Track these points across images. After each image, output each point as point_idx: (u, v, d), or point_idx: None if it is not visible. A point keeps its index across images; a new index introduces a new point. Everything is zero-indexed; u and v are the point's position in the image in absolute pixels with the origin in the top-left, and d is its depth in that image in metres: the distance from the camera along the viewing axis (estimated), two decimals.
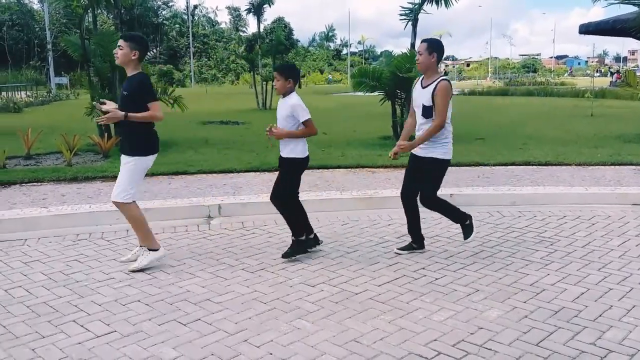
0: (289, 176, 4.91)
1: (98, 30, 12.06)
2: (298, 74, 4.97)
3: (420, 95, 4.81)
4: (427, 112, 4.74)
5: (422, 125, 4.84)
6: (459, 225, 5.09)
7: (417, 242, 5.09)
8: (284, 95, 4.81)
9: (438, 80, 4.71)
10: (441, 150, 4.80)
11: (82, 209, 6.16)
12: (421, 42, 4.87)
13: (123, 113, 4.49)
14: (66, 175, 7.94)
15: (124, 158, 4.63)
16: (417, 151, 4.90)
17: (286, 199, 4.92)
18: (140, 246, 4.78)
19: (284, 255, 4.88)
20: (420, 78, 4.91)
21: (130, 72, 4.66)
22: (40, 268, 4.68)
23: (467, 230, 5.01)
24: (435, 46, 4.78)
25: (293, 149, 4.81)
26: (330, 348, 3.30)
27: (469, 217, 5.05)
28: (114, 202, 4.67)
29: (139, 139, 4.62)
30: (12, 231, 5.66)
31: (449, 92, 4.69)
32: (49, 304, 3.95)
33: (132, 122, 4.54)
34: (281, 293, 4.13)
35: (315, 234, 5.09)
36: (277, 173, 5.03)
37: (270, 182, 7.78)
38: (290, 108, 4.73)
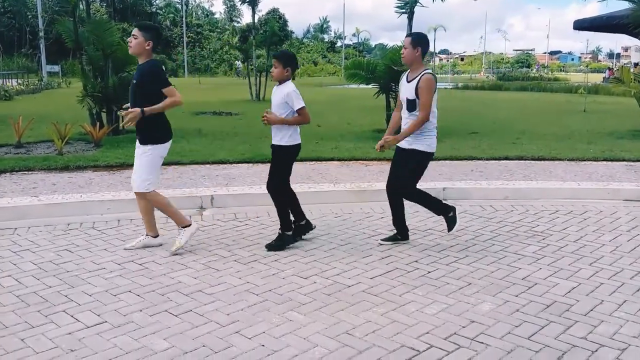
0: (281, 164, 4.91)
1: (91, 18, 11.94)
2: (296, 64, 4.98)
3: (405, 89, 4.82)
4: (411, 105, 4.75)
5: (406, 119, 4.84)
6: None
7: (401, 233, 5.12)
8: (280, 82, 4.81)
9: (422, 73, 4.70)
10: (425, 142, 4.80)
11: (73, 198, 6.11)
12: (406, 36, 4.92)
13: (139, 110, 4.46)
14: (57, 164, 7.88)
15: (140, 148, 4.66)
16: (402, 144, 4.88)
17: (279, 187, 4.93)
18: (147, 234, 4.91)
19: (268, 247, 4.89)
20: (407, 72, 4.92)
21: (141, 62, 4.63)
22: (30, 257, 4.64)
23: (451, 222, 5.02)
24: (419, 40, 4.79)
25: (283, 137, 4.82)
26: (322, 340, 3.29)
27: (453, 208, 5.06)
28: (136, 193, 4.72)
29: (151, 128, 4.61)
30: (2, 220, 5.60)
31: (432, 85, 4.68)
32: (39, 293, 3.92)
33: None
34: (273, 285, 4.11)
35: (307, 220, 5.13)
36: (269, 164, 5.01)
37: (263, 173, 7.75)
38: (286, 96, 4.73)
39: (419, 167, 4.89)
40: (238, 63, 59.91)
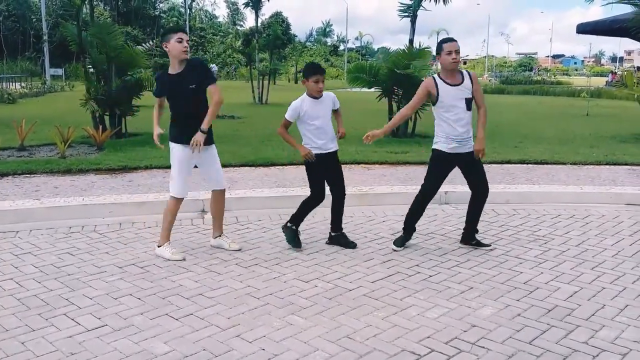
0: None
1: (95, 22, 11.98)
2: None
3: (458, 93, 4.90)
4: (470, 104, 5.03)
5: (467, 118, 5.05)
6: (454, 223, 5.08)
7: (410, 233, 5.16)
8: (319, 96, 4.94)
9: (469, 73, 5.06)
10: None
11: (75, 201, 6.12)
12: (455, 41, 4.94)
13: (203, 134, 4.63)
14: (60, 167, 7.89)
15: (213, 148, 4.91)
16: (462, 149, 5.10)
17: None
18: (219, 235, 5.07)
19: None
20: (438, 78, 4.92)
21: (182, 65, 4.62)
22: (32, 260, 4.65)
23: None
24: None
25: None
26: (323, 344, 3.28)
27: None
28: (224, 190, 5.01)
29: (171, 125, 4.82)
30: (3, 223, 5.61)
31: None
32: (40, 296, 3.92)
33: (201, 114, 4.64)
34: (274, 288, 4.11)
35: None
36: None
37: (265, 176, 7.76)
38: (335, 100, 5.07)
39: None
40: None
